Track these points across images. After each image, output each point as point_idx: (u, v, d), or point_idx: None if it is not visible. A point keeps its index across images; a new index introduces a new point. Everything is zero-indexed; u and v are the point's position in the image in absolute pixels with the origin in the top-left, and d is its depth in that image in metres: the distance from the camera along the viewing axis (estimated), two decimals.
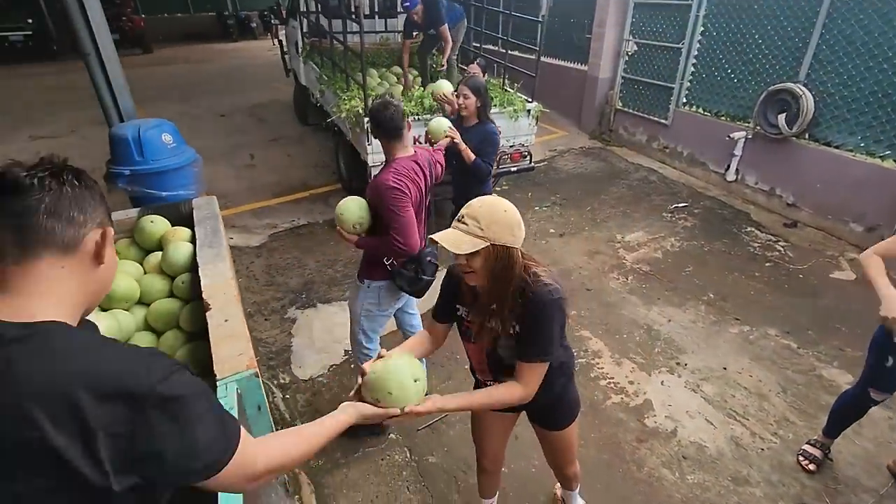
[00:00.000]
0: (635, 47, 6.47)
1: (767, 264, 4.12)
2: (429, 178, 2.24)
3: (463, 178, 3.10)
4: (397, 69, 5.67)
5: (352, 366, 3.03)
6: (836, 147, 4.49)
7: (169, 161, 3.35)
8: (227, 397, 1.59)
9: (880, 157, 4.21)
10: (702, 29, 5.55)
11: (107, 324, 2.14)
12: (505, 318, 1.36)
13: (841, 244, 4.38)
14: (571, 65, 7.68)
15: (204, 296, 2.12)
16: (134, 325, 2.34)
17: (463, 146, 2.84)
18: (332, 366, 3.03)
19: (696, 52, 5.68)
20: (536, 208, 5.07)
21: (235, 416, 1.53)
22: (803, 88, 4.53)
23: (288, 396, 2.80)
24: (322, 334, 3.27)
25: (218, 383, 1.64)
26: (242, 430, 0.89)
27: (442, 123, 3.64)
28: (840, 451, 2.47)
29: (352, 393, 1.30)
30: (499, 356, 1.45)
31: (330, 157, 6.02)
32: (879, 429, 2.59)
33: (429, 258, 2.28)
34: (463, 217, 1.29)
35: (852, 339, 3.15)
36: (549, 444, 1.80)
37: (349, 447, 2.50)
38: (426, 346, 1.60)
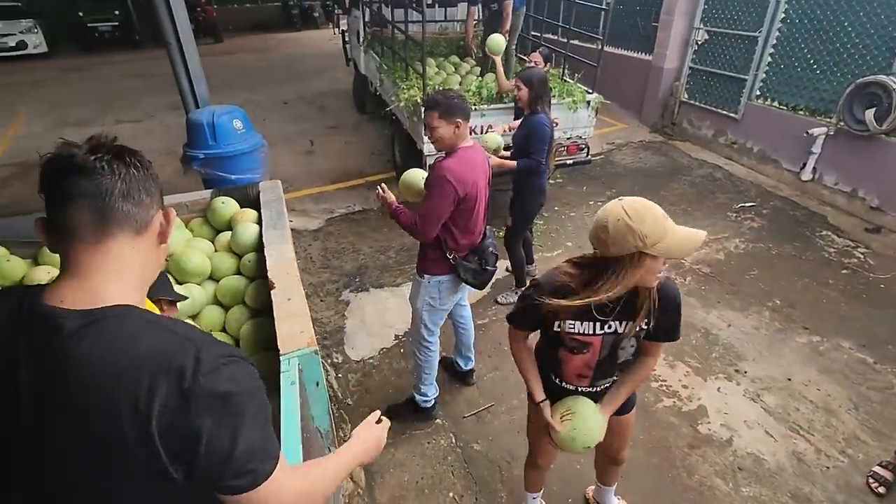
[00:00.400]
0: (706, 36, 6.13)
1: (844, 271, 3.84)
2: (487, 169, 2.25)
3: (517, 174, 3.12)
4: (455, 58, 5.67)
5: (401, 350, 3.11)
6: None
7: (239, 146, 3.55)
8: (290, 371, 1.68)
9: None
10: (782, 16, 5.16)
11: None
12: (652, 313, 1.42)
13: None
14: (635, 54, 7.38)
15: (269, 275, 2.24)
16: (205, 298, 2.51)
17: (496, 162, 2.88)
18: (382, 349, 3.12)
19: (774, 41, 5.30)
20: (591, 203, 4.94)
21: (297, 390, 1.63)
22: None
23: (340, 376, 2.92)
24: (374, 318, 3.38)
25: (281, 358, 1.74)
26: (281, 454, 0.84)
27: (496, 140, 3.61)
28: None
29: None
30: (613, 357, 1.49)
31: (385, 145, 6.12)
32: None
33: (490, 248, 2.31)
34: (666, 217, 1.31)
35: None
36: (613, 429, 1.77)
37: (397, 428, 2.57)
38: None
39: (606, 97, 4.61)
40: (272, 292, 2.15)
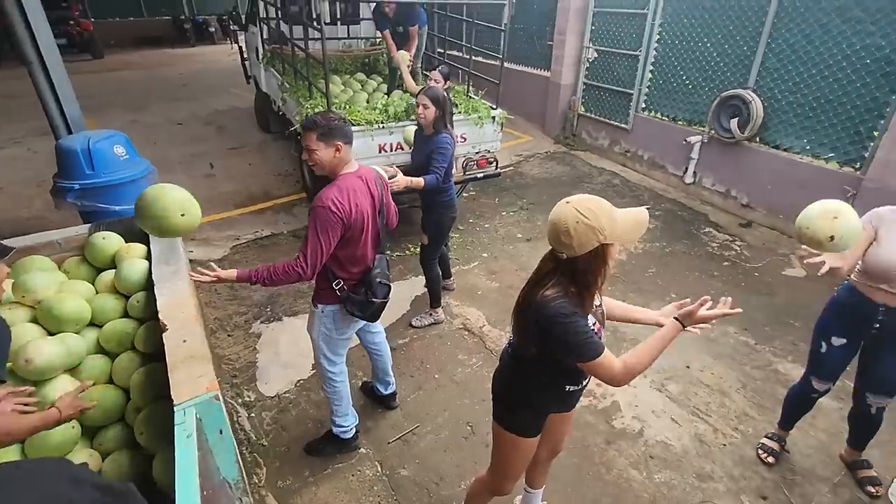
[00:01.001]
0: (595, 54, 6.64)
1: (725, 263, 4.28)
2: (375, 193, 2.12)
3: (425, 192, 3.11)
4: (360, 75, 5.63)
5: (319, 380, 2.96)
6: (785, 150, 4.72)
7: (122, 174, 3.22)
8: (186, 423, 1.53)
9: (824, 158, 4.44)
10: (657, 37, 5.74)
11: (54, 349, 2.02)
12: None
13: (792, 242, 4.59)
14: (535, 71, 7.81)
15: (160, 316, 2.04)
16: (85, 348, 2.23)
17: (405, 181, 2.83)
18: (299, 381, 2.96)
19: (653, 59, 5.87)
20: (503, 213, 5.11)
21: (194, 443, 1.47)
22: (753, 94, 4.74)
23: (253, 415, 2.72)
24: (288, 348, 3.20)
25: (175, 408, 1.57)
26: None
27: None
28: (796, 443, 2.58)
29: None
30: None
31: (293, 165, 5.90)
32: (831, 420, 2.71)
33: (379, 279, 2.18)
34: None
35: (805, 333, 3.28)
36: (559, 423, 1.85)
37: (318, 464, 2.44)
38: None
39: (512, 111, 4.82)
40: (164, 335, 1.96)
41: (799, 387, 2.38)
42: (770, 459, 2.48)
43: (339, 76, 5.43)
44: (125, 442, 2.13)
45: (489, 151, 4.73)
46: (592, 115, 6.91)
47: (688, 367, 3.12)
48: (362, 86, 5.37)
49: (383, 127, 4.06)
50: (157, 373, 2.18)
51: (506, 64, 4.63)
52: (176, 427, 1.50)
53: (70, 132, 3.32)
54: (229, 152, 6.54)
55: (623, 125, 6.41)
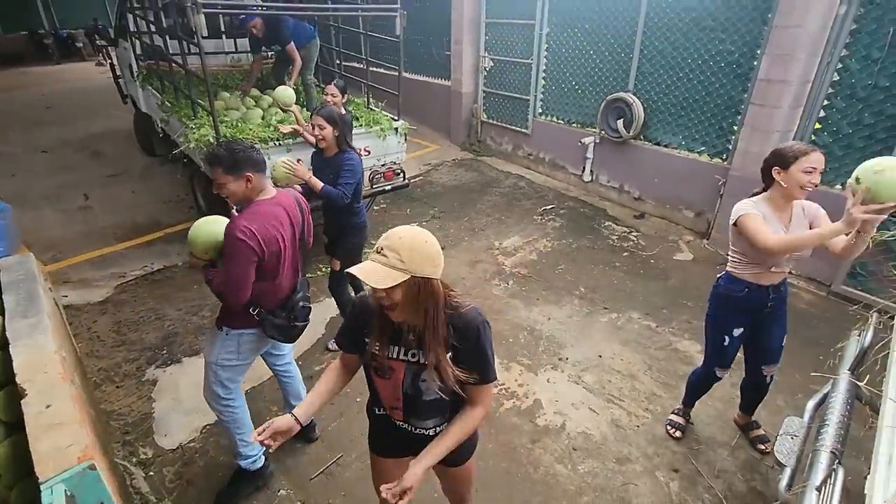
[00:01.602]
0: (491, 63, 6.88)
1: (625, 254, 4.60)
2: (298, 217, 2.08)
3: (329, 207, 3.01)
4: (255, 91, 5.34)
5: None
6: (665, 146, 5.19)
7: None
8: (54, 503, 1.30)
9: (697, 152, 4.94)
10: (546, 45, 6.07)
11: None
12: (438, 349, 1.32)
13: (679, 229, 5.05)
14: (435, 80, 7.92)
15: (17, 379, 1.74)
16: None
17: (306, 175, 2.79)
18: (205, 427, 2.69)
19: (544, 67, 6.20)
20: (416, 224, 5.07)
21: None
22: (633, 97, 5.16)
23: (152, 473, 2.42)
24: (190, 392, 2.89)
25: (41, 487, 1.34)
26: None
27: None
28: (698, 415, 2.80)
29: None
30: (418, 390, 1.40)
31: (185, 189, 5.45)
32: (724, 387, 2.97)
33: (301, 303, 2.14)
34: (382, 249, 1.23)
35: (697, 311, 3.62)
36: (449, 480, 1.74)
37: None
38: (343, 379, 1.56)
39: (416, 121, 4.82)
40: (23, 401, 1.68)
41: (703, 374, 2.53)
42: (678, 434, 2.67)
43: (228, 92, 5.10)
44: None
45: (395, 163, 4.69)
46: (494, 122, 7.14)
47: (600, 356, 3.28)
48: (256, 102, 5.08)
49: (280, 144, 3.86)
50: (25, 445, 1.86)
51: (406, 74, 4.64)
52: None
53: None
54: (107, 180, 5.88)
55: (524, 130, 6.69)
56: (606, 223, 5.23)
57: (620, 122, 5.30)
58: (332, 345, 3.27)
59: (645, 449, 2.62)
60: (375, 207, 5.37)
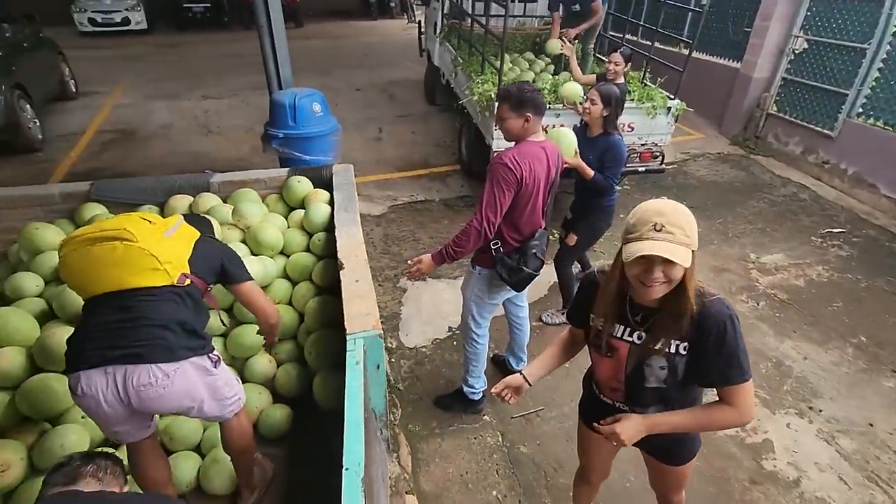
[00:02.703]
0: (805, 45, 5.68)
1: None
2: (553, 167, 2.16)
3: (582, 188, 2.99)
4: (529, 55, 5.58)
5: (454, 343, 3.12)
6: None
7: (316, 128, 3.67)
8: (355, 351, 1.73)
9: None
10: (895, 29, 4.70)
11: (256, 268, 2.42)
12: (671, 336, 1.25)
13: None
14: (721, 61, 6.96)
15: (339, 255, 2.30)
16: (276, 272, 2.62)
17: (579, 163, 2.71)
18: (435, 339, 3.15)
19: (884, 55, 4.84)
20: None
21: (361, 370, 1.66)
22: None
23: (393, 360, 2.97)
24: (429, 307, 3.41)
25: (347, 337, 1.78)
26: None
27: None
28: None
29: None
30: (640, 374, 1.33)
31: (452, 137, 6.14)
32: None
33: (534, 251, 2.20)
34: (663, 227, 1.12)
35: None
36: (660, 475, 1.68)
37: (445, 419, 2.60)
38: (570, 353, 1.61)
39: (686, 105, 4.38)
40: (341, 272, 2.21)
41: None
42: None
43: (508, 54, 5.45)
44: (295, 357, 2.50)
45: (656, 144, 4.39)
46: (786, 116, 5.97)
47: (871, 424, 2.63)
48: (530, 65, 5.33)
49: (549, 108, 3.99)
50: (328, 304, 2.50)
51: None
52: (347, 353, 1.71)
53: (281, 88, 3.86)
54: (397, 119, 7.04)
55: (826, 131, 5.44)
56: None
57: None
58: (548, 317, 3.35)
59: None
60: (619, 188, 5.17)
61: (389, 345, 3.10)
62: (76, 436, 1.83)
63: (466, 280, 2.41)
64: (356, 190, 3.01)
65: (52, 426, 1.92)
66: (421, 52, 7.67)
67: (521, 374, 1.54)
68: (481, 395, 2.59)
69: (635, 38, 8.01)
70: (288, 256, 2.72)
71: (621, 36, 5.53)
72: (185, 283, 1.57)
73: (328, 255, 2.67)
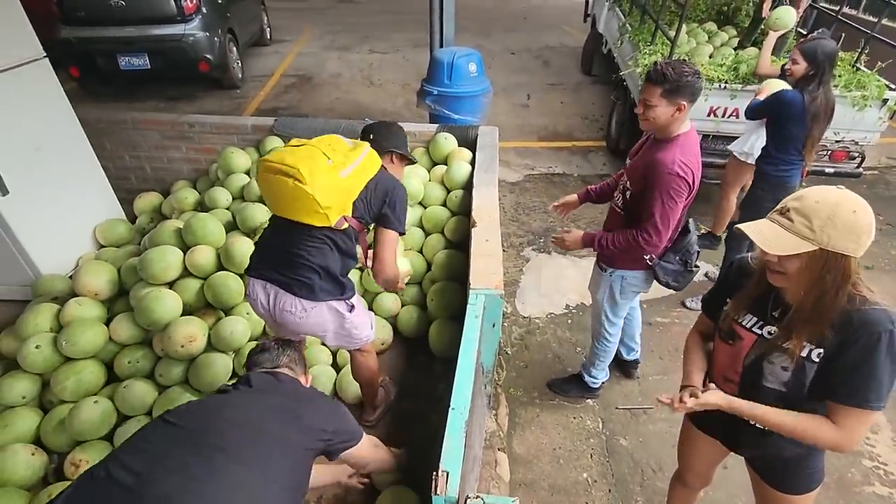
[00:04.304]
0: None
1: None
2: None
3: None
4: (711, 25, 4.94)
5: (568, 321, 3.08)
6: None
7: (469, 88, 3.75)
8: (476, 305, 1.81)
9: None
10: None
11: None
12: (804, 338, 1.13)
13: None
14: None
15: (473, 213, 2.39)
16: (413, 220, 2.81)
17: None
18: (550, 313, 3.13)
19: None
20: None
21: (479, 325, 1.74)
22: None
23: (506, 325, 3.04)
24: (549, 281, 3.38)
25: (471, 291, 1.87)
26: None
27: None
28: None
29: None
30: (759, 369, 1.22)
31: (602, 112, 5.80)
32: None
33: (695, 245, 2.05)
34: (788, 210, 1.05)
35: None
36: (766, 502, 1.50)
37: (547, 392, 2.61)
38: (705, 349, 1.46)
39: None
40: (473, 230, 2.30)
41: None
42: None
43: (685, 24, 4.89)
44: (418, 301, 2.69)
45: (856, 143, 3.68)
46: None
47: None
48: (710, 37, 4.73)
49: (724, 87, 3.55)
50: (455, 259, 2.63)
51: None
52: (469, 306, 1.80)
53: (442, 46, 3.98)
54: (547, 87, 6.84)
55: None
56: None
57: None
58: (691, 302, 3.13)
59: None
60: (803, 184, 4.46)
61: (505, 310, 3.16)
62: (242, 326, 2.22)
63: (596, 281, 2.25)
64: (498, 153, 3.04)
65: (225, 315, 2.35)
66: (585, 17, 7.25)
67: (699, 390, 1.28)
68: (601, 385, 2.54)
69: (855, 13, 6.64)
70: (425, 208, 2.89)
71: (837, 9, 4.61)
72: (343, 227, 1.68)
73: (462, 212, 2.78)
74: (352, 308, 1.82)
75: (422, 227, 2.86)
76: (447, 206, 2.86)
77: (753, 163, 3.07)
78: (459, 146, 3.12)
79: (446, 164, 3.03)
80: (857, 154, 3.72)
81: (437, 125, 3.27)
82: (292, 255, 1.68)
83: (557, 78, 7.17)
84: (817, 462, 1.35)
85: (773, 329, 1.20)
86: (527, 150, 5.16)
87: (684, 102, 1.72)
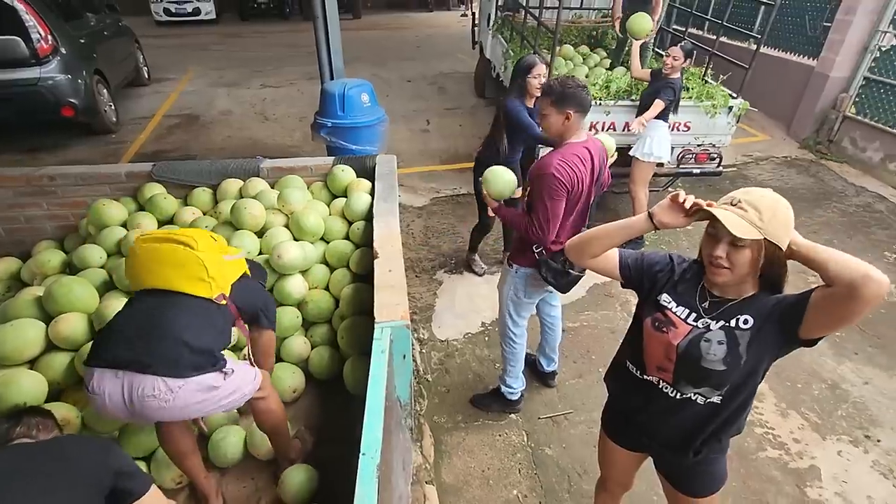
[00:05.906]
0: (894, 41, 5.19)
1: None
2: (598, 166, 2.07)
3: None
4: (584, 48, 5.42)
5: (486, 338, 3.11)
6: None
7: (363, 118, 3.73)
8: (382, 339, 1.75)
9: None
10: None
11: (296, 252, 2.49)
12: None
13: None
14: (794, 58, 6.50)
15: (375, 245, 2.34)
16: (316, 257, 2.70)
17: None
18: (467, 333, 3.15)
19: None
20: None
21: (386, 359, 1.69)
22: None
23: (424, 351, 3.00)
24: (464, 301, 3.41)
25: (376, 325, 1.81)
26: None
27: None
28: None
29: None
30: (696, 350, 1.25)
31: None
32: None
33: None
34: (740, 202, 1.14)
35: None
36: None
37: (470, 413, 2.60)
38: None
39: (752, 104, 4.12)
40: (375, 261, 2.25)
41: None
42: None
43: (561, 47, 5.31)
44: (328, 341, 2.57)
45: (714, 146, 4.18)
46: (866, 120, 5.50)
47: None
48: (584, 59, 5.18)
49: (600, 104, 3.87)
50: (362, 292, 2.55)
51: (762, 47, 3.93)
52: (374, 341, 1.74)
53: (332, 79, 3.95)
54: (445, 112, 7.05)
55: None
56: None
57: None
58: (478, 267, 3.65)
59: None
60: (671, 191, 4.95)
61: (421, 336, 3.13)
62: None
63: (503, 278, 2.38)
64: (398, 181, 3.04)
65: None
66: (473, 45, 7.62)
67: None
68: (520, 394, 2.57)
69: (700, 33, 7.61)
70: (328, 243, 2.79)
71: (684, 30, 5.27)
72: (222, 303, 1.69)
73: (365, 243, 2.72)
74: (228, 373, 1.62)
75: (326, 263, 2.76)
76: (350, 239, 2.79)
77: (656, 161, 3.66)
78: (358, 177, 3.07)
79: (346, 197, 2.96)
80: (716, 155, 4.21)
81: (333, 157, 3.21)
82: (158, 328, 1.52)
83: (454, 102, 7.43)
84: (720, 467, 1.45)
85: (707, 320, 1.26)
86: (431, 173, 5.25)
87: (571, 111, 1.91)
